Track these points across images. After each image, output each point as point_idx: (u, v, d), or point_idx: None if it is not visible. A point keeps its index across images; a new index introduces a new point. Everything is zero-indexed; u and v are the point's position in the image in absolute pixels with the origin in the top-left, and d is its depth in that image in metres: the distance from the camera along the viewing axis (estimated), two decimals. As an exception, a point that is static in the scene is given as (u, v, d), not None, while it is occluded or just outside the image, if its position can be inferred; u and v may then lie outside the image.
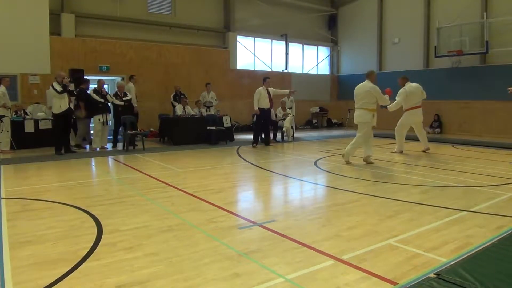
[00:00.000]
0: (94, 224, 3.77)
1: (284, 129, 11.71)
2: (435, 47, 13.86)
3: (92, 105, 9.61)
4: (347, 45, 18.40)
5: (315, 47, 18.60)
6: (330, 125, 18.10)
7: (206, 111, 11.71)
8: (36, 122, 9.80)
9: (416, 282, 2.52)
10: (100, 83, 9.82)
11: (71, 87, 8.74)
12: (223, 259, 2.92)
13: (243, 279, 2.60)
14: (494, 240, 3.27)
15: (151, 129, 12.66)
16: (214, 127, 10.71)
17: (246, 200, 5.15)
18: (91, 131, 10.23)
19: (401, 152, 8.87)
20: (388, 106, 8.39)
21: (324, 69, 19.01)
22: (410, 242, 3.27)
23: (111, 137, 10.33)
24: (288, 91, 11.61)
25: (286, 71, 17.00)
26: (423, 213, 4.13)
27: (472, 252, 3.02)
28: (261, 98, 10.21)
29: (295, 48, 17.71)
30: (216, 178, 6.21)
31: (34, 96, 10.97)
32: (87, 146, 10.13)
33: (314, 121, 17.89)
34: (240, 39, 15.82)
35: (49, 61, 11.11)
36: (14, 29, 10.49)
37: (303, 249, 3.14)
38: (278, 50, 17.06)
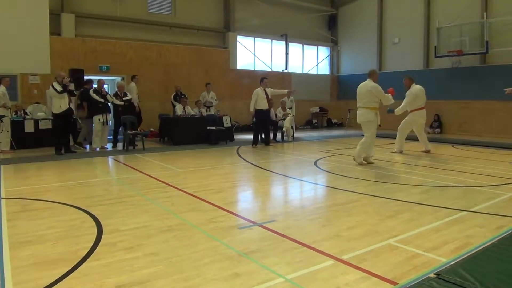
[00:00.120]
0: (94, 224, 3.77)
1: (284, 129, 11.71)
2: (435, 47, 13.86)
3: (92, 105, 9.64)
4: (347, 45, 18.40)
5: (315, 47, 18.60)
6: (330, 125, 18.10)
7: (206, 111, 11.72)
8: (36, 122, 9.81)
9: (416, 282, 2.51)
10: (100, 83, 9.82)
11: (71, 87, 8.74)
12: (223, 259, 2.92)
13: (243, 279, 2.60)
14: (494, 240, 3.26)
15: (151, 129, 12.66)
16: (214, 127, 10.71)
17: (246, 200, 5.15)
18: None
19: (400, 152, 8.87)
20: (395, 111, 8.52)
21: (324, 69, 19.02)
22: (410, 242, 3.27)
23: (111, 137, 10.33)
24: (286, 90, 11.60)
25: (286, 71, 17.00)
26: (423, 213, 4.13)
27: (472, 252, 3.02)
28: (258, 99, 10.18)
29: (295, 48, 17.71)
30: (216, 178, 6.21)
31: (34, 96, 10.97)
32: (87, 146, 10.13)
33: (314, 121, 17.89)
34: (240, 39, 15.82)
35: (49, 61, 11.12)
36: (14, 29, 10.49)
37: (303, 249, 3.14)
38: (278, 50, 17.06)
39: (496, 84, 12.36)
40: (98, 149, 9.60)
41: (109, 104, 9.87)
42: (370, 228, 3.64)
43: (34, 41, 10.77)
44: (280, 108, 12.04)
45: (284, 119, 11.79)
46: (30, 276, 2.63)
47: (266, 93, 10.22)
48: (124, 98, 10.07)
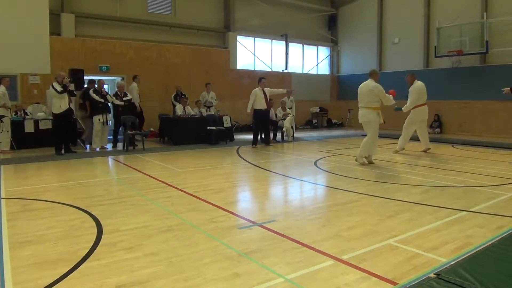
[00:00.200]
0: (94, 224, 3.77)
1: (284, 129, 11.71)
2: (435, 47, 13.86)
3: (92, 105, 9.64)
4: (347, 45, 18.40)
5: (315, 47, 18.60)
6: (330, 125, 18.10)
7: (206, 111, 11.71)
8: (36, 122, 9.81)
9: (416, 282, 2.51)
10: (100, 83, 9.82)
11: (71, 87, 8.74)
12: (223, 259, 2.92)
13: (243, 279, 2.60)
14: (494, 240, 3.26)
15: (151, 129, 12.66)
16: (214, 127, 10.72)
17: (246, 200, 5.15)
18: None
19: (402, 149, 8.89)
20: (402, 108, 8.61)
21: (324, 69, 19.01)
22: (410, 242, 3.27)
23: (111, 137, 10.34)
24: (285, 90, 11.57)
25: (286, 71, 17.00)
26: (423, 213, 4.13)
27: (472, 252, 3.02)
28: (257, 99, 10.16)
29: (295, 48, 17.71)
30: (216, 178, 6.21)
31: (34, 96, 10.97)
32: (87, 146, 10.14)
33: (314, 121, 17.89)
34: (240, 39, 15.82)
35: (49, 61, 11.11)
36: (14, 29, 10.49)
37: (303, 249, 3.14)
38: (278, 50, 17.06)
39: (496, 84, 12.33)
40: (98, 149, 9.60)
41: (109, 104, 9.87)
42: (370, 228, 3.64)
43: (34, 41, 10.76)
44: (280, 108, 12.04)
45: (284, 119, 11.79)
46: (30, 276, 2.63)
47: (264, 93, 10.21)
48: (124, 98, 10.07)
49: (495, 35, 12.82)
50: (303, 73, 18.05)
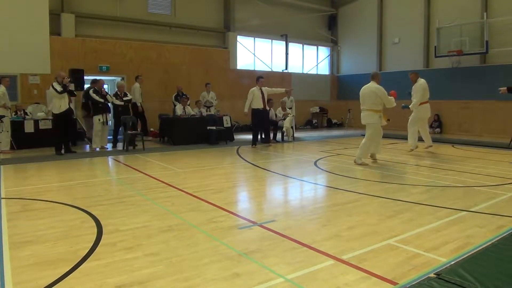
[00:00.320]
0: (94, 224, 3.77)
1: (284, 129, 11.71)
2: (435, 47, 13.86)
3: (92, 105, 9.64)
4: (347, 45, 18.40)
5: (315, 47, 18.60)
6: (330, 125, 18.10)
7: (206, 111, 11.72)
8: (36, 122, 9.81)
9: (416, 282, 2.51)
10: (100, 83, 9.82)
11: (71, 87, 8.74)
12: (223, 259, 2.92)
13: (243, 279, 2.60)
14: (494, 240, 3.26)
15: (151, 129, 12.66)
16: (214, 127, 10.72)
17: (246, 200, 5.15)
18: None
19: (416, 148, 8.94)
20: (409, 106, 8.71)
21: (324, 69, 19.01)
22: (410, 242, 3.27)
23: (111, 137, 10.34)
24: (284, 89, 11.55)
25: (286, 71, 17.00)
26: (423, 213, 4.13)
27: (472, 252, 3.02)
28: (254, 99, 10.13)
29: (295, 48, 17.71)
30: (216, 178, 6.21)
31: (34, 96, 10.97)
32: (87, 146, 10.13)
33: (314, 121, 17.88)
34: (240, 39, 15.82)
35: (49, 61, 11.11)
36: (14, 29, 10.49)
37: (303, 249, 3.14)
38: (278, 50, 17.06)
39: (496, 84, 12.30)
40: (98, 149, 9.60)
41: (109, 104, 9.87)
42: (370, 228, 3.64)
43: (34, 41, 10.77)
44: (280, 108, 12.04)
45: (284, 119, 11.79)
46: (30, 276, 2.63)
47: (262, 92, 10.18)
48: (124, 98, 10.07)
49: (495, 35, 12.83)
50: (303, 73, 18.05)
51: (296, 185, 5.99)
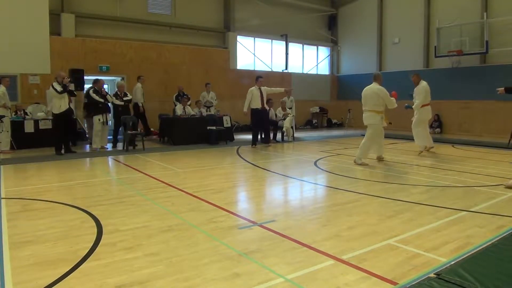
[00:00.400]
0: (94, 224, 3.77)
1: (284, 129, 11.71)
2: (435, 47, 13.86)
3: (92, 105, 9.64)
4: (347, 45, 18.40)
5: (315, 47, 18.60)
6: (330, 125, 18.10)
7: (206, 111, 11.72)
8: (36, 122, 9.81)
9: (416, 282, 2.51)
10: (100, 83, 9.82)
11: (71, 87, 8.74)
12: (223, 259, 2.92)
13: (243, 279, 2.60)
14: (494, 240, 3.26)
15: (151, 129, 12.66)
16: (214, 127, 10.72)
17: (246, 200, 5.15)
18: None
19: (425, 148, 8.91)
20: (413, 107, 8.74)
21: (324, 69, 19.01)
22: (410, 242, 3.27)
23: (111, 137, 10.34)
24: (283, 89, 11.53)
25: (286, 71, 17.00)
26: (423, 213, 4.13)
27: (472, 252, 3.02)
28: (253, 98, 10.12)
29: (295, 48, 17.71)
30: (216, 178, 6.21)
31: (34, 96, 10.98)
32: (87, 146, 10.13)
33: (314, 121, 17.88)
34: (240, 39, 15.82)
35: (49, 61, 11.11)
36: (14, 29, 10.49)
37: (303, 249, 3.14)
38: (278, 50, 17.06)
39: (496, 84, 12.22)
40: (98, 149, 9.59)
41: (109, 104, 9.86)
42: (370, 228, 3.64)
43: (34, 41, 10.77)
44: (280, 108, 12.04)
45: (284, 119, 11.79)
46: (30, 276, 2.63)
47: (261, 92, 10.17)
48: (124, 98, 10.07)
49: (495, 35, 12.82)
50: (303, 73, 18.05)
51: (296, 185, 5.99)
